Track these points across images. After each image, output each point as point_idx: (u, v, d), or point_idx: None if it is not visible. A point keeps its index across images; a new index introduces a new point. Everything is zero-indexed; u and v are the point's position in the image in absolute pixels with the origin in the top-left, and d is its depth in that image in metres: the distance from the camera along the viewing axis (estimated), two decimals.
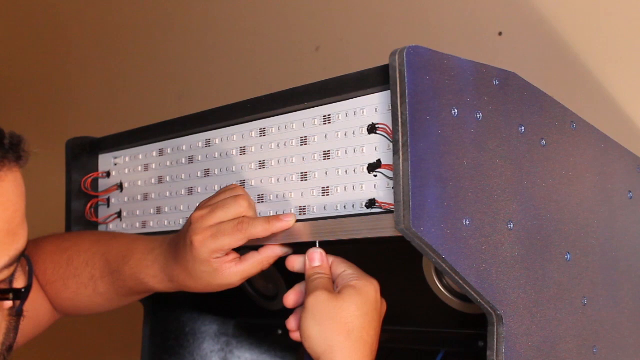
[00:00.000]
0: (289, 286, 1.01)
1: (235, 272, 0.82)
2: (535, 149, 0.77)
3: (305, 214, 0.81)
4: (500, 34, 1.25)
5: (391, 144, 0.68)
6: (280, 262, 1.01)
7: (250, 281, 1.07)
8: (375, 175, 0.74)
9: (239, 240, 0.80)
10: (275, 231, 0.80)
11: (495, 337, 0.70)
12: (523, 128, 0.76)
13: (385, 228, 0.71)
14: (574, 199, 0.81)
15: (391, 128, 0.68)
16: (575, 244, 0.80)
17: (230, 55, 1.64)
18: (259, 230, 0.80)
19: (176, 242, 0.85)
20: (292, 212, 0.81)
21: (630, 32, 1.12)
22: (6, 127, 0.62)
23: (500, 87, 0.73)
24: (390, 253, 0.89)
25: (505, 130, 0.74)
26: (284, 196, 0.83)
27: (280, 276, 1.02)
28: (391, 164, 0.69)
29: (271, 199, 0.84)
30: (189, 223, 0.83)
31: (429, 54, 0.67)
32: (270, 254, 0.84)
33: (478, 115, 0.71)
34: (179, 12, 1.82)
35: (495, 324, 0.71)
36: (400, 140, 0.65)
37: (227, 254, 0.82)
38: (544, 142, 0.78)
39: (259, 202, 0.85)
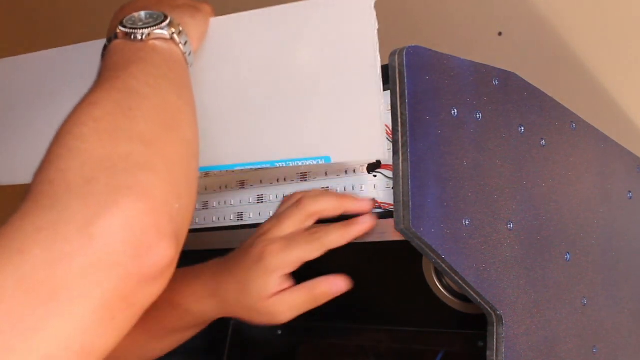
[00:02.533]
0: None
1: (284, 300, 0.76)
2: (535, 149, 0.77)
3: None
4: (500, 34, 1.25)
5: (390, 144, 0.68)
6: None
7: None
8: (375, 176, 0.74)
9: (314, 251, 0.75)
10: (353, 238, 0.75)
11: (495, 337, 0.70)
12: (523, 128, 0.76)
13: (384, 232, 0.71)
14: (574, 199, 0.81)
15: (391, 128, 0.68)
16: (575, 244, 0.80)
17: None
18: (335, 238, 0.74)
19: (233, 259, 0.79)
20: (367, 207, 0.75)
21: (630, 32, 1.12)
22: None
23: (500, 87, 0.73)
24: (390, 253, 0.89)
25: (505, 130, 0.74)
26: (283, 196, 0.83)
27: None
28: (391, 164, 0.69)
29: (271, 199, 0.84)
30: (255, 236, 0.78)
31: (429, 54, 0.67)
32: (328, 288, 0.77)
33: (478, 115, 0.71)
34: None
35: (495, 324, 0.71)
36: (400, 141, 0.65)
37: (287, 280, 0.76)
38: (543, 142, 0.78)
39: (258, 202, 0.85)
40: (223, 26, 0.76)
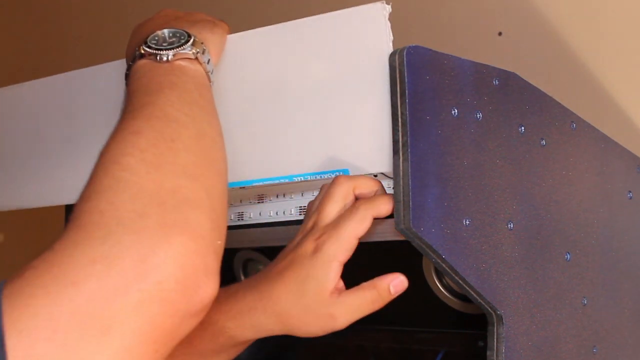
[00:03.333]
0: None
1: (346, 301, 0.71)
2: (535, 149, 0.77)
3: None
4: (500, 34, 1.25)
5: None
6: None
7: None
8: (375, 176, 0.74)
9: (365, 222, 0.69)
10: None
11: (495, 337, 0.70)
12: (523, 128, 0.76)
13: (384, 232, 0.71)
14: (574, 199, 0.81)
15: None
16: (575, 244, 0.80)
17: None
18: (381, 204, 0.69)
19: (276, 267, 0.73)
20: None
21: (630, 32, 1.12)
22: None
23: (500, 87, 0.73)
24: (390, 253, 0.89)
25: (505, 130, 0.74)
26: (284, 196, 0.83)
27: None
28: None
29: (271, 199, 0.84)
30: (301, 235, 0.73)
31: (429, 53, 0.67)
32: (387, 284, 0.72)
33: (478, 115, 0.71)
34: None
35: (495, 324, 0.70)
36: (400, 140, 0.65)
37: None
38: (544, 142, 0.78)
39: (258, 202, 0.85)
40: (238, 43, 0.77)
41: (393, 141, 0.66)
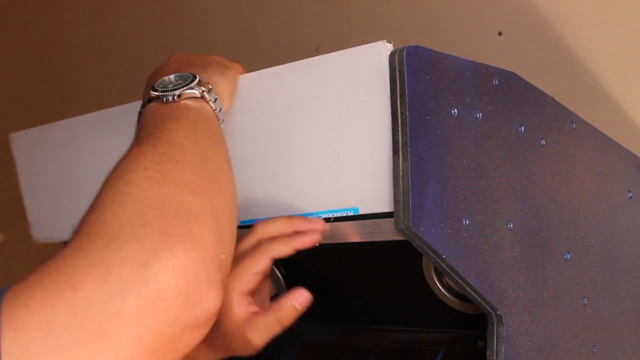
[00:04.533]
0: (289, 286, 1.01)
1: (256, 324, 0.76)
2: (535, 149, 0.77)
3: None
4: (500, 34, 1.25)
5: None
6: (280, 263, 1.01)
7: None
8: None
9: (260, 260, 0.75)
10: (298, 247, 0.76)
11: (495, 337, 0.70)
12: (523, 128, 0.76)
13: (384, 232, 0.71)
14: (574, 199, 0.81)
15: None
16: (575, 244, 0.80)
17: (229, 55, 1.64)
18: (279, 246, 0.76)
19: None
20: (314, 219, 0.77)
21: (630, 32, 1.12)
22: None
23: (500, 87, 0.73)
24: (390, 253, 0.89)
25: (505, 130, 0.74)
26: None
27: (280, 276, 1.02)
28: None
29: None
30: None
31: (429, 53, 0.67)
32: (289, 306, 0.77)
33: (478, 115, 0.71)
34: (177, 11, 1.82)
35: (495, 324, 0.71)
36: (400, 140, 0.65)
37: (251, 304, 0.77)
38: (543, 142, 0.78)
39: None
40: (245, 83, 0.78)
41: (393, 141, 0.66)
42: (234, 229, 0.64)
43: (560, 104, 0.81)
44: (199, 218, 0.57)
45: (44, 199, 1.01)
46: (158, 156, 0.61)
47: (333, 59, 0.73)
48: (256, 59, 1.57)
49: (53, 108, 2.20)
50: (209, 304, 0.55)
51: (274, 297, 1.05)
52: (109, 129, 0.90)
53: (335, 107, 0.72)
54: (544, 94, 0.79)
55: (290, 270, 1.01)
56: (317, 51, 1.48)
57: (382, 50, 0.68)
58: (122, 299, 0.50)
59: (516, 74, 0.76)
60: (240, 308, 0.76)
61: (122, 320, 0.50)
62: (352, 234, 0.75)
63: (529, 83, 0.77)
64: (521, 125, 0.75)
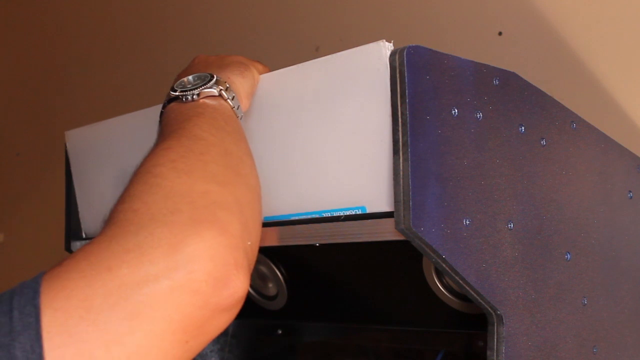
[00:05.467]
0: (289, 286, 1.01)
1: None
2: (535, 149, 0.77)
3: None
4: (500, 34, 1.25)
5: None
6: (280, 263, 1.02)
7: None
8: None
9: None
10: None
11: (495, 337, 0.70)
12: (523, 128, 0.76)
13: (384, 232, 0.71)
14: (574, 199, 0.81)
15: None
16: (575, 244, 0.80)
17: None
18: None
19: None
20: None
21: (631, 32, 1.12)
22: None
23: (500, 87, 0.73)
24: (390, 253, 0.89)
25: (505, 130, 0.74)
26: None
27: (280, 276, 1.02)
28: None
29: None
30: None
31: (429, 53, 0.67)
32: None
33: (478, 115, 0.71)
34: (178, 11, 1.82)
35: (495, 324, 0.71)
36: (400, 140, 0.65)
37: None
38: (544, 142, 0.78)
39: None
40: (269, 82, 0.79)
41: (393, 141, 0.66)
42: (259, 218, 0.66)
43: (560, 104, 0.81)
44: (224, 206, 0.59)
45: (95, 195, 1.04)
46: (183, 149, 0.64)
47: (335, 59, 0.73)
48: (256, 58, 1.57)
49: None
50: (237, 287, 0.57)
51: (274, 297, 1.05)
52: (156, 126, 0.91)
53: (339, 106, 0.73)
54: (544, 94, 0.79)
55: (290, 271, 1.01)
56: (317, 51, 1.48)
57: (382, 49, 0.68)
58: (155, 281, 0.53)
59: (516, 74, 0.76)
60: None
61: (155, 301, 0.53)
62: (353, 234, 0.75)
63: (529, 83, 0.77)
64: (521, 125, 0.75)
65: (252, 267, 0.62)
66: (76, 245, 1.10)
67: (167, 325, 0.54)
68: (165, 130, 0.69)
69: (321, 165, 0.75)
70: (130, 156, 0.98)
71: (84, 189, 1.07)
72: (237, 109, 0.73)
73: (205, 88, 0.72)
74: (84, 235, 1.11)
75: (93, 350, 0.50)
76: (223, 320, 0.58)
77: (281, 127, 0.78)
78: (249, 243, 0.61)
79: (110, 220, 0.58)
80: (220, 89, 0.72)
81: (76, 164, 1.06)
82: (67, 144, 1.05)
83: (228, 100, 0.73)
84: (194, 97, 0.72)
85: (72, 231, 1.10)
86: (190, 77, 0.74)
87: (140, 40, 1.90)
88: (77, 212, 1.09)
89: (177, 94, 0.73)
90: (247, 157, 0.70)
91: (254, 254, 0.63)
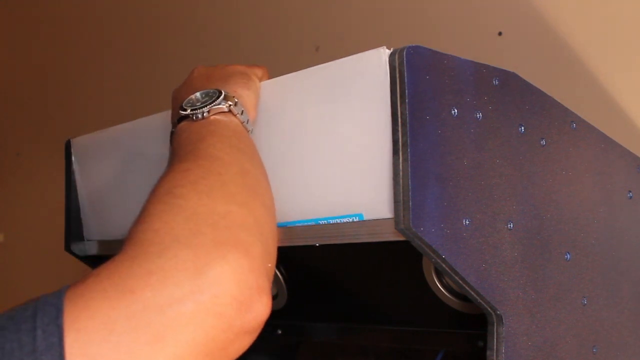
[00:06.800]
0: (289, 286, 1.01)
1: None
2: (535, 149, 0.77)
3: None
4: (500, 34, 1.25)
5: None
6: (280, 263, 1.01)
7: None
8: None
9: None
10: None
11: (495, 337, 0.70)
12: (523, 128, 0.75)
13: (384, 233, 0.71)
14: (574, 199, 0.81)
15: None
16: (575, 244, 0.80)
17: (229, 55, 1.64)
18: None
19: None
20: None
21: (630, 32, 1.12)
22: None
23: (500, 87, 0.73)
24: (390, 253, 0.89)
25: (505, 130, 0.74)
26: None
27: (280, 276, 1.02)
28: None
29: None
30: None
31: (429, 53, 0.67)
32: None
33: (478, 115, 0.71)
34: (180, 14, 1.82)
35: (495, 324, 0.70)
36: (400, 140, 0.65)
37: None
38: (544, 142, 0.78)
39: None
40: (270, 89, 0.79)
41: (393, 141, 0.66)
42: (276, 240, 0.66)
43: (560, 104, 0.81)
44: (245, 227, 0.59)
45: (99, 201, 1.05)
46: (202, 171, 0.63)
47: (334, 66, 0.73)
48: (257, 59, 1.57)
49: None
50: (260, 310, 0.57)
51: (274, 297, 1.05)
52: (157, 134, 0.91)
53: (339, 113, 0.73)
54: (544, 94, 0.79)
55: (291, 271, 1.01)
56: (317, 51, 1.48)
57: (382, 56, 0.68)
58: (179, 305, 0.52)
59: (516, 74, 0.76)
60: None
61: (179, 324, 0.52)
62: (352, 234, 0.75)
63: (529, 83, 0.77)
64: (521, 125, 0.75)
65: (271, 286, 0.61)
66: (76, 246, 1.10)
67: (191, 348, 0.53)
68: (181, 152, 0.68)
69: (319, 173, 0.75)
70: (135, 163, 0.98)
71: (88, 195, 1.07)
72: (247, 123, 0.73)
73: (214, 105, 0.72)
74: (84, 238, 1.11)
75: None
76: (245, 343, 0.58)
77: (279, 135, 0.78)
78: (270, 265, 0.61)
79: (130, 240, 0.57)
80: (229, 105, 0.72)
81: (81, 170, 1.06)
82: (73, 150, 1.06)
83: (237, 115, 0.73)
84: (204, 114, 0.71)
85: (72, 232, 1.10)
86: (198, 95, 0.74)
87: (138, 42, 1.90)
88: (77, 213, 1.09)
89: (187, 112, 0.72)
90: (263, 177, 0.69)
91: (272, 274, 0.62)
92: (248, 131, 0.73)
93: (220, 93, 0.73)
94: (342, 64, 0.72)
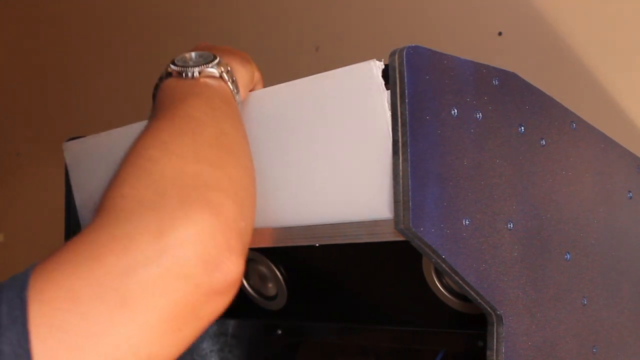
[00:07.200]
0: (289, 286, 1.01)
1: None
2: (535, 149, 0.77)
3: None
4: (500, 34, 1.25)
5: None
6: (280, 263, 1.02)
7: (249, 281, 1.07)
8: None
9: None
10: None
11: (495, 337, 0.70)
12: (523, 128, 0.75)
13: (384, 233, 0.71)
14: (574, 199, 0.81)
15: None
16: (575, 244, 0.80)
17: None
18: None
19: None
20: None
21: (630, 32, 1.12)
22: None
23: (500, 87, 0.73)
24: (390, 253, 0.89)
25: (505, 130, 0.74)
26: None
27: (280, 276, 1.02)
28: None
29: None
30: None
31: (429, 53, 0.67)
32: None
33: (478, 115, 0.71)
34: (179, 13, 1.82)
35: (495, 324, 0.70)
36: (400, 140, 0.65)
37: None
38: (543, 142, 0.78)
39: None
40: (261, 98, 0.79)
41: (393, 141, 0.66)
42: (254, 200, 0.65)
43: (560, 104, 0.81)
44: (216, 187, 0.58)
45: (93, 203, 1.05)
46: (176, 131, 0.62)
47: (325, 78, 0.73)
48: (257, 59, 1.57)
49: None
50: (229, 269, 0.56)
51: (274, 297, 1.05)
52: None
53: (333, 122, 0.73)
54: (544, 94, 0.79)
55: (291, 271, 1.01)
56: (317, 51, 1.47)
57: (373, 68, 0.68)
58: (143, 269, 0.52)
59: (516, 74, 0.76)
60: None
61: (144, 289, 0.52)
62: (352, 234, 0.75)
63: (529, 83, 0.77)
64: (521, 125, 0.75)
65: (247, 249, 0.60)
66: None
67: (158, 313, 0.52)
68: (160, 108, 0.67)
69: (319, 174, 0.75)
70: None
71: (83, 199, 1.07)
72: (237, 93, 0.72)
73: (207, 67, 0.71)
74: None
75: (82, 342, 0.49)
76: (217, 305, 0.57)
77: (279, 137, 0.78)
78: (243, 224, 0.59)
79: (99, 208, 0.56)
80: (222, 71, 0.71)
81: (74, 175, 1.06)
82: (65, 154, 1.06)
83: (228, 83, 0.71)
84: (195, 74, 0.70)
85: (72, 232, 1.10)
86: (192, 54, 0.73)
87: (138, 41, 1.90)
88: (77, 215, 1.09)
89: (176, 69, 0.71)
90: (243, 139, 0.68)
91: (248, 235, 0.61)
92: (236, 101, 0.72)
93: (215, 57, 0.72)
94: (333, 76, 0.72)
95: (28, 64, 2.25)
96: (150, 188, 0.56)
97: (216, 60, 0.71)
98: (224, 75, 0.71)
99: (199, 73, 0.70)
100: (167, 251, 0.53)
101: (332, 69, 0.73)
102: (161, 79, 0.72)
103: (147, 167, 0.58)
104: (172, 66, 0.71)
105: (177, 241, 0.53)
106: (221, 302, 0.57)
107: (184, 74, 0.70)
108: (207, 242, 0.54)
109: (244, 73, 0.77)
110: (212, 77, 0.71)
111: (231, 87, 0.72)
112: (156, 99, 0.71)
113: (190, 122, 0.63)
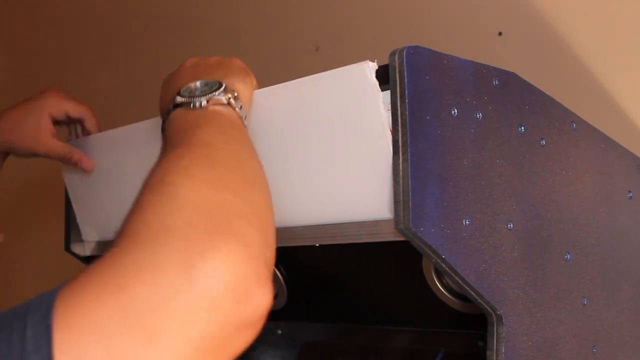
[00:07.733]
0: (289, 286, 1.01)
1: (50, 142, 1.02)
2: (535, 149, 0.77)
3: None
4: (500, 34, 1.25)
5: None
6: (280, 263, 1.01)
7: None
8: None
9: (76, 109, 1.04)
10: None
11: (495, 337, 0.70)
12: (523, 128, 0.75)
13: (384, 233, 0.71)
14: (574, 199, 0.81)
15: (391, 128, 0.68)
16: (575, 244, 0.80)
17: (229, 55, 1.64)
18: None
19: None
20: None
21: (630, 32, 1.12)
22: None
23: (500, 87, 0.73)
24: (390, 253, 0.89)
25: (505, 130, 0.74)
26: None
27: (280, 276, 1.02)
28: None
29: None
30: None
31: (429, 53, 0.67)
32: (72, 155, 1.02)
33: (478, 115, 0.71)
34: (177, 12, 1.82)
35: (495, 324, 0.70)
36: (400, 140, 0.65)
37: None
38: (543, 142, 0.78)
39: None
40: (260, 98, 0.79)
41: (393, 141, 0.66)
42: (274, 229, 0.63)
43: (560, 104, 0.81)
44: (240, 215, 0.57)
45: (91, 203, 1.06)
46: (196, 157, 0.61)
47: (320, 79, 0.73)
48: (256, 59, 1.57)
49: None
50: (260, 301, 0.54)
51: (274, 297, 1.05)
52: (150, 137, 0.91)
53: (330, 123, 0.73)
54: (544, 94, 0.79)
55: (290, 271, 1.01)
56: (317, 51, 1.47)
57: (366, 70, 0.68)
58: (172, 301, 0.50)
59: (516, 74, 0.76)
60: (48, 123, 1.03)
61: (172, 322, 0.50)
62: (352, 234, 0.75)
63: (529, 83, 0.77)
64: (521, 125, 0.75)
65: (271, 276, 0.58)
66: (76, 246, 1.10)
67: (187, 346, 0.50)
68: (175, 139, 0.66)
69: (319, 175, 0.75)
70: (124, 167, 0.98)
71: (80, 199, 1.07)
72: (245, 118, 0.72)
73: (214, 95, 0.71)
74: (83, 238, 1.10)
75: None
76: (247, 338, 0.55)
77: (279, 139, 0.78)
78: (269, 254, 0.58)
79: (122, 233, 0.54)
80: (229, 98, 0.71)
81: (70, 173, 1.06)
82: None
83: (236, 109, 0.71)
84: (203, 104, 0.70)
85: (72, 232, 1.10)
86: (197, 83, 0.73)
87: (138, 41, 1.90)
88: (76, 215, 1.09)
89: (184, 100, 0.71)
90: (259, 166, 0.67)
91: (272, 263, 0.60)
92: (245, 126, 0.72)
93: (221, 85, 0.72)
94: (327, 77, 0.72)
95: (28, 65, 2.25)
96: (174, 214, 0.54)
97: (222, 88, 0.71)
98: (232, 101, 0.71)
99: (207, 102, 0.70)
100: (197, 283, 0.51)
101: (332, 69, 0.73)
102: (168, 113, 0.72)
103: (169, 192, 0.57)
104: (178, 97, 0.71)
105: (207, 273, 0.51)
106: (250, 334, 0.55)
107: (192, 105, 0.70)
108: (237, 274, 0.53)
109: (246, 92, 0.77)
110: (220, 104, 0.71)
111: (240, 113, 0.72)
112: (167, 131, 0.70)
113: (208, 149, 0.63)
